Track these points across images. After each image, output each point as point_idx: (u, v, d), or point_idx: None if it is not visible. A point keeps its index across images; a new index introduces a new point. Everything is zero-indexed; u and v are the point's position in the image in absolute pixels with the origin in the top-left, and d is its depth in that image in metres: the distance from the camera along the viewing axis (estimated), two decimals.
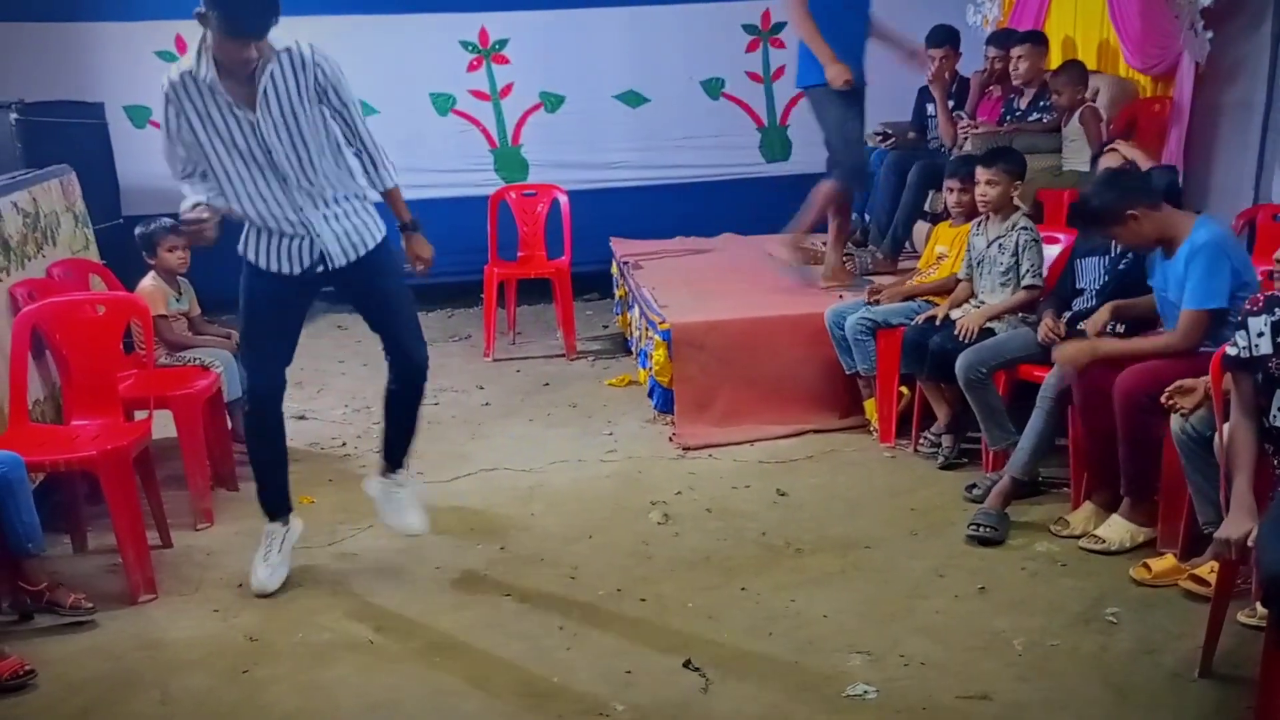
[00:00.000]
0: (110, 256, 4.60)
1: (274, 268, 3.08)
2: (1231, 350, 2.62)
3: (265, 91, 2.91)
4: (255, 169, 2.98)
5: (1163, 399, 2.97)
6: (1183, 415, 2.93)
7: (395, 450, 3.38)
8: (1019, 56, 5.19)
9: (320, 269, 3.09)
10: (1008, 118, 5.32)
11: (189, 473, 3.77)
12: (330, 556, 3.49)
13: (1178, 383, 2.96)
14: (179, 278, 4.34)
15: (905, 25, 6.49)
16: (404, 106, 6.65)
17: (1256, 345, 2.56)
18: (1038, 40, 5.32)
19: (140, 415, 3.66)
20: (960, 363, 3.74)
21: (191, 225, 2.98)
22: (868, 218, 5.74)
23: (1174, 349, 3.12)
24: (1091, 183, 3.32)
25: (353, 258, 3.10)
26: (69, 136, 5.49)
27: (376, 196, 3.19)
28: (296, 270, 3.08)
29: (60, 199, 4.30)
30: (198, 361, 4.11)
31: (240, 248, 3.10)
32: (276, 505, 3.31)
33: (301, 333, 3.23)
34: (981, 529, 3.39)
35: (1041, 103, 5.17)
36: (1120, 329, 3.48)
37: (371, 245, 3.14)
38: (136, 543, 3.24)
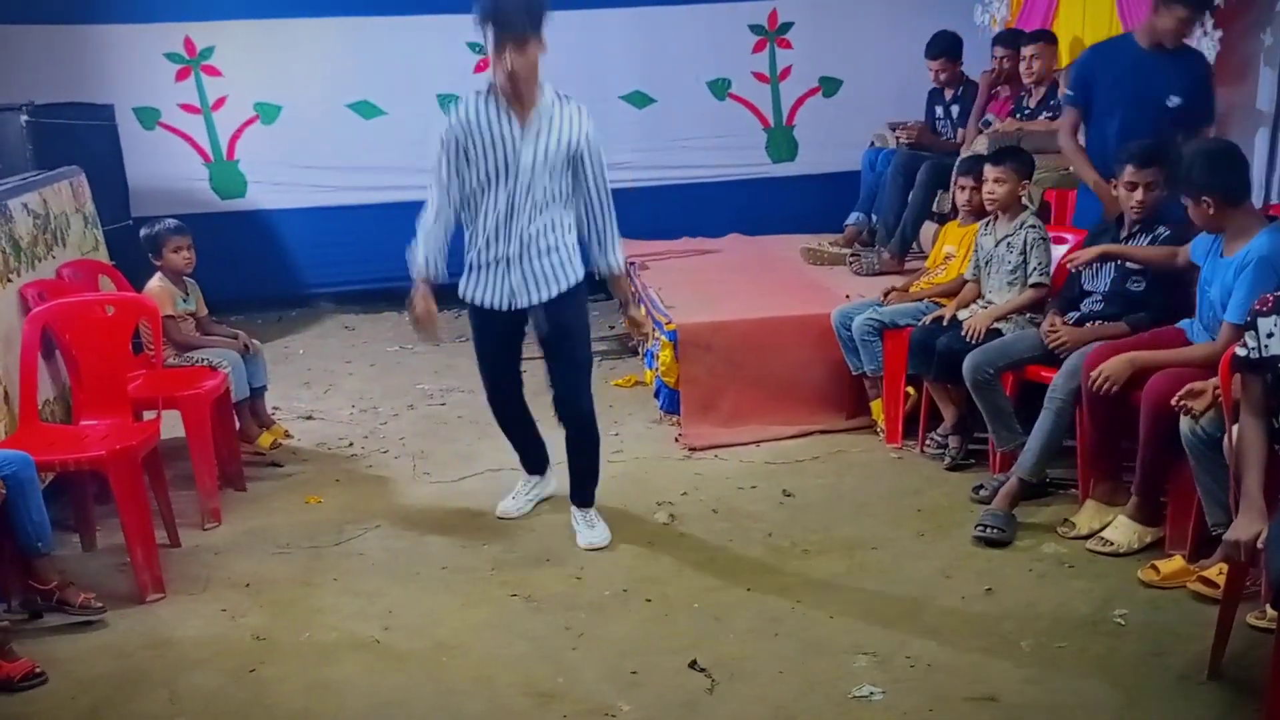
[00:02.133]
0: (119, 257, 4.61)
1: (479, 302, 3.39)
2: (1241, 351, 2.61)
3: (535, 116, 3.19)
4: (498, 186, 3.24)
5: (1173, 402, 2.95)
6: (1193, 418, 2.92)
7: (575, 490, 3.61)
8: (1031, 55, 5.16)
9: (508, 308, 3.36)
10: (1016, 116, 5.30)
11: (197, 473, 3.78)
12: (337, 556, 3.50)
13: (1188, 386, 2.94)
14: (186, 279, 4.35)
15: (914, 26, 6.54)
16: (411, 108, 6.65)
17: (1266, 346, 2.54)
18: (1050, 39, 5.30)
19: (149, 415, 3.67)
20: (967, 363, 3.73)
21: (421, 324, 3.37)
22: (874, 218, 5.73)
23: (1213, 360, 2.99)
24: (1201, 146, 3.24)
25: (538, 300, 3.34)
26: (78, 138, 5.51)
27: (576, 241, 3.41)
28: (493, 306, 3.37)
29: (70, 200, 4.31)
30: (205, 362, 4.12)
31: (460, 292, 3.43)
32: (531, 465, 3.79)
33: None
34: (988, 530, 3.39)
35: (1051, 101, 5.15)
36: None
37: (561, 290, 3.35)
38: (145, 542, 3.26)
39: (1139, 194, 3.52)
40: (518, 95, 3.16)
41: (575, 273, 3.37)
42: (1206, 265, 3.26)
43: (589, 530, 3.52)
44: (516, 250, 3.28)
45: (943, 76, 5.72)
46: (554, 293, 3.34)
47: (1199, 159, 3.13)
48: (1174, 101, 3.93)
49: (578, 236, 3.39)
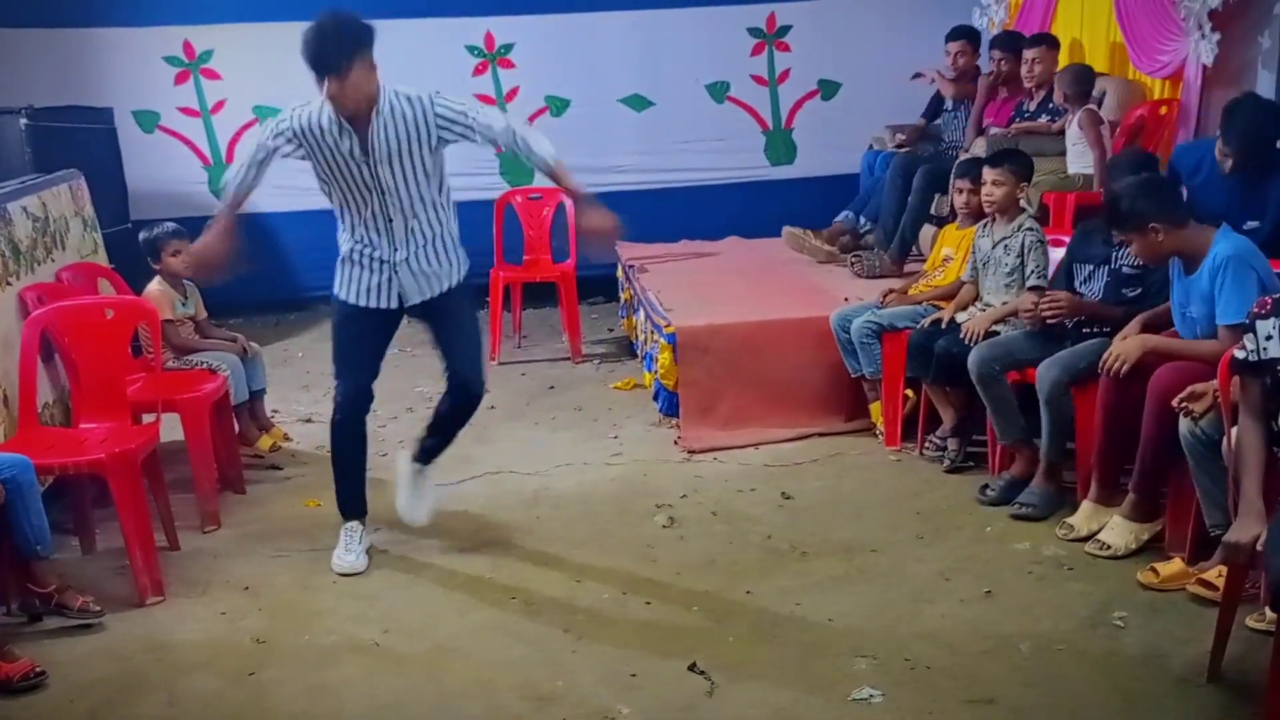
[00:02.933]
0: (118, 261, 4.61)
1: (360, 302, 3.29)
2: (1240, 354, 2.61)
3: (375, 135, 3.11)
4: (363, 198, 3.19)
5: (1174, 403, 2.95)
6: (1193, 419, 2.92)
7: (431, 451, 3.54)
8: (1034, 59, 5.17)
9: (398, 305, 3.30)
10: (1017, 119, 5.31)
11: (196, 476, 3.78)
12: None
13: (1190, 388, 2.94)
14: (185, 282, 4.35)
15: (913, 29, 6.57)
16: None
17: (1265, 349, 2.55)
18: (1052, 43, 5.31)
19: (148, 419, 3.67)
20: (973, 359, 3.73)
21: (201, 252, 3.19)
22: (862, 218, 5.71)
23: (1218, 360, 2.93)
24: (1127, 183, 3.25)
25: (429, 296, 3.30)
26: (78, 141, 5.52)
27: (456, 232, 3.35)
28: (378, 305, 3.29)
29: (69, 203, 4.32)
30: (205, 365, 4.13)
31: (336, 290, 3.34)
32: (351, 507, 3.46)
33: (382, 355, 3.44)
34: (1023, 507, 3.53)
35: (1050, 104, 5.16)
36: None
37: (449, 286, 3.31)
38: (144, 545, 3.26)
39: None
40: (349, 117, 3.11)
41: (461, 267, 3.36)
42: (1176, 290, 3.27)
43: (416, 500, 3.51)
44: (404, 254, 3.24)
45: (960, 61, 5.70)
46: (443, 289, 3.30)
47: (1137, 193, 3.15)
48: (1250, 225, 3.55)
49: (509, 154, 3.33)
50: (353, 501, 3.46)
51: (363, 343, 3.36)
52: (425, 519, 3.52)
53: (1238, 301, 2.97)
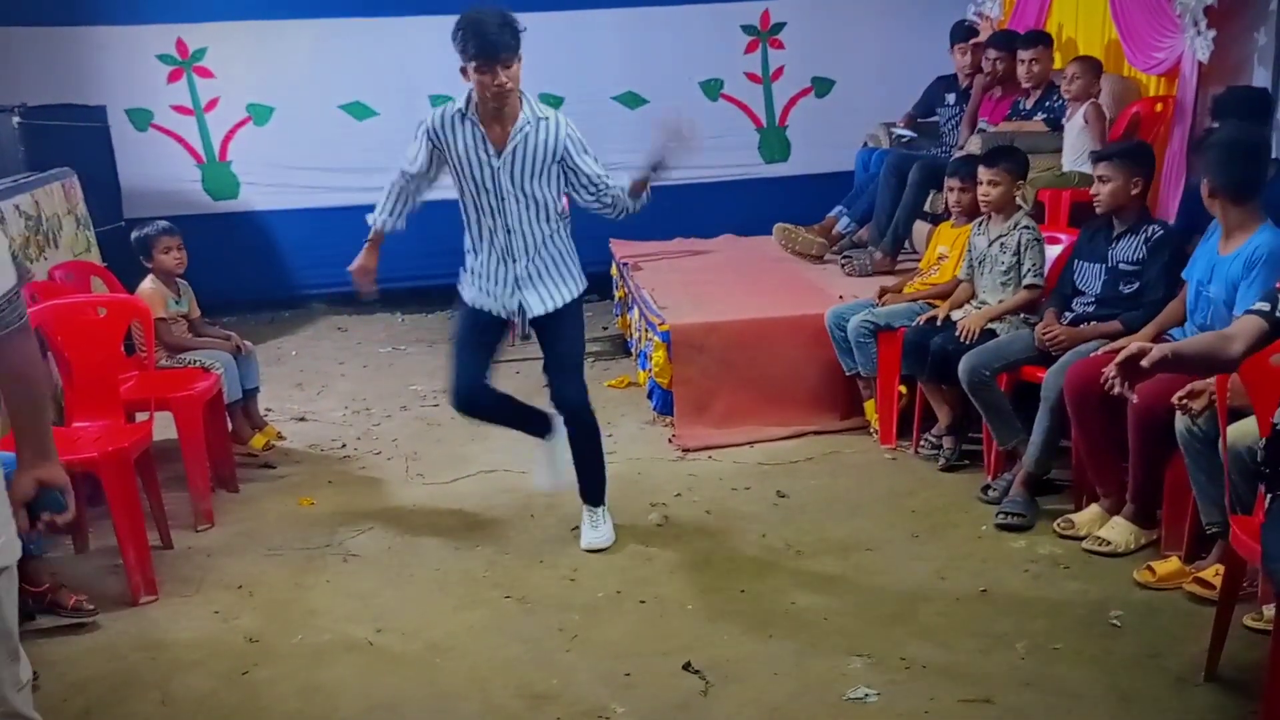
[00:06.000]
0: (111, 259, 4.60)
1: (484, 308, 3.37)
2: (1264, 306, 2.38)
3: (514, 143, 3.21)
4: (486, 205, 3.27)
5: (1174, 399, 2.94)
6: (1191, 417, 2.91)
7: (581, 488, 3.54)
8: (1031, 59, 5.16)
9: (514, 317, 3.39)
10: (1012, 118, 5.31)
11: (190, 474, 3.77)
12: (330, 558, 3.49)
13: (1188, 386, 2.93)
14: (178, 280, 4.34)
15: (906, 26, 6.55)
16: (404, 109, 6.63)
17: None
18: (1049, 42, 5.30)
19: (141, 417, 3.66)
20: (963, 366, 3.73)
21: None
22: (849, 222, 5.70)
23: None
24: (1230, 135, 3.20)
25: (549, 309, 3.36)
26: (71, 140, 5.50)
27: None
28: (500, 314, 3.37)
29: (62, 202, 4.30)
30: (198, 363, 4.11)
31: (461, 291, 3.42)
32: (539, 430, 3.53)
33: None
34: (1009, 517, 3.46)
35: (1046, 103, 5.16)
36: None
37: (567, 300, 3.39)
38: (137, 544, 3.25)
39: (1094, 186, 3.62)
40: (498, 115, 3.18)
41: (578, 285, 3.43)
42: (1201, 264, 3.25)
43: (591, 531, 3.50)
44: (523, 269, 3.32)
45: (977, 54, 5.69)
46: (558, 305, 3.37)
47: (1217, 149, 3.12)
48: None
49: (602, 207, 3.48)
50: (535, 429, 3.52)
51: (473, 336, 3.42)
52: (604, 542, 3.48)
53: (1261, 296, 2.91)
